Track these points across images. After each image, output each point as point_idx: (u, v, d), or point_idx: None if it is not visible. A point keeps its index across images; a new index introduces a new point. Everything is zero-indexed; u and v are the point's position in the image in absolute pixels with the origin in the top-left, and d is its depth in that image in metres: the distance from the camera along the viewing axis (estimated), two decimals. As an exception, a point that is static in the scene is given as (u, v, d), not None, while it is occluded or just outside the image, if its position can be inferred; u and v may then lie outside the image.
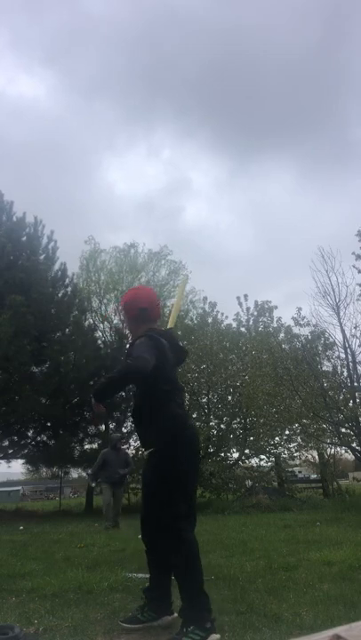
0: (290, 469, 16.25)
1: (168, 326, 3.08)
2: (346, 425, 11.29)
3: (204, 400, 15.43)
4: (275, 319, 18.13)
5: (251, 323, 18.47)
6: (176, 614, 2.66)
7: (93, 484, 10.03)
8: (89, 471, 10.07)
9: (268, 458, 15.25)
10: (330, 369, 12.12)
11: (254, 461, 15.56)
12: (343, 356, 11.58)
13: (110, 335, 17.56)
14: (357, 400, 11.07)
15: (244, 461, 15.30)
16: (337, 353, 11.93)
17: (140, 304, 2.87)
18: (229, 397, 15.03)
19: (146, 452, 2.73)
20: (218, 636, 2.39)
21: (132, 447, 14.50)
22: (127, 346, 3.02)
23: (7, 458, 14.08)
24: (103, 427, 15.06)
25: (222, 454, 15.22)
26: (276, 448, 15.08)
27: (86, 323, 15.33)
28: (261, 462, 15.52)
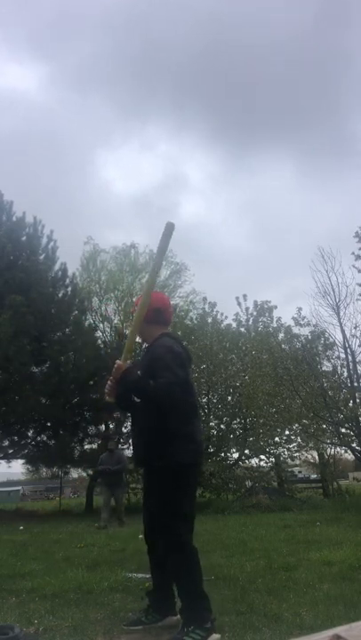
0: (290, 469, 16.24)
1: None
2: (346, 425, 11.30)
3: (204, 400, 15.42)
4: (274, 319, 18.13)
5: (250, 323, 18.45)
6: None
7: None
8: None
9: (268, 458, 15.25)
10: (330, 369, 12.13)
11: (254, 461, 15.57)
12: (343, 356, 11.59)
13: (110, 335, 17.57)
14: (357, 400, 11.06)
15: (243, 461, 15.30)
16: (337, 353, 11.94)
17: (154, 305, 2.82)
18: (229, 397, 15.03)
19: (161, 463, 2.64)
20: (218, 635, 2.39)
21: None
22: (145, 346, 2.92)
23: (7, 458, 14.08)
24: (103, 426, 15.06)
25: (222, 454, 15.21)
26: (276, 448, 15.07)
27: (86, 323, 15.33)
28: (261, 462, 15.52)
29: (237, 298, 18.70)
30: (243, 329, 18.00)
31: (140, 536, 6.82)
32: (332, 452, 15.37)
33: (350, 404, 11.03)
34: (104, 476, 9.77)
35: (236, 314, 18.44)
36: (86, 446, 14.52)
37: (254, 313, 18.58)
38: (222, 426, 15.33)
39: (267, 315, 18.42)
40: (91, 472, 15.83)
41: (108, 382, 2.69)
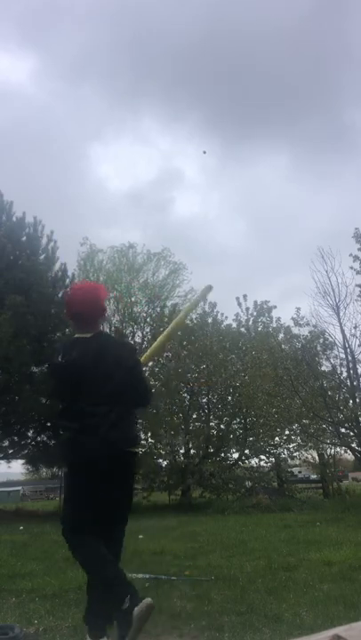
0: (289, 469, 16.25)
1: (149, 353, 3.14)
2: (346, 425, 11.30)
3: (204, 400, 15.44)
4: (274, 319, 18.18)
5: (250, 323, 18.48)
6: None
7: None
8: None
9: (268, 458, 15.27)
10: (329, 369, 12.14)
11: (254, 462, 15.59)
12: (343, 355, 11.60)
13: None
14: (357, 400, 11.07)
15: (243, 462, 15.31)
16: (336, 353, 11.95)
17: (73, 308, 2.68)
18: (229, 397, 15.04)
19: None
20: (149, 599, 2.22)
21: None
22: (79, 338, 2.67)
23: (7, 458, 14.07)
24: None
25: (222, 454, 15.22)
26: (276, 448, 15.09)
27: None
28: (261, 462, 15.54)
29: (238, 298, 18.77)
30: (243, 329, 18.03)
31: (141, 536, 6.83)
32: (332, 453, 15.39)
33: (350, 404, 11.04)
34: None
35: (237, 314, 18.50)
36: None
37: (254, 313, 18.63)
38: (222, 426, 15.33)
39: (266, 315, 18.48)
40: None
41: None
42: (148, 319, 18.57)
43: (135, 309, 18.78)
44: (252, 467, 15.44)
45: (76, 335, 2.65)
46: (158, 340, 3.32)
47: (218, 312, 17.17)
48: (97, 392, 2.47)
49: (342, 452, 15.25)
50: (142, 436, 15.25)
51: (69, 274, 14.76)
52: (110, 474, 2.44)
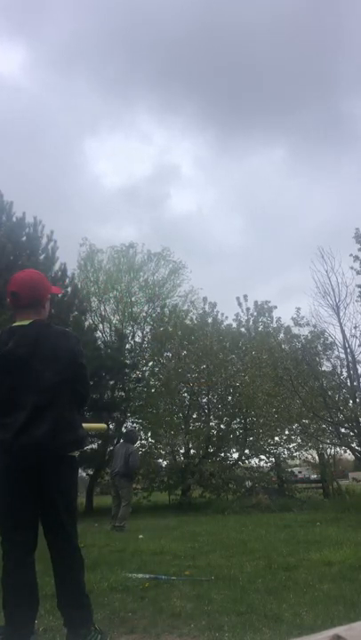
0: (289, 469, 16.28)
1: None
2: (346, 425, 11.31)
3: (204, 400, 15.44)
4: (274, 319, 18.20)
5: (251, 323, 18.49)
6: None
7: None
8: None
9: (268, 458, 15.28)
10: (329, 369, 12.14)
11: (254, 462, 15.61)
12: (343, 356, 11.60)
13: (110, 335, 17.56)
14: (357, 400, 11.08)
15: (243, 461, 15.32)
16: (336, 353, 11.96)
17: (10, 287, 2.59)
18: (229, 397, 15.05)
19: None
20: None
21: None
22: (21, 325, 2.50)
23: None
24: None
25: (222, 454, 15.23)
26: (276, 448, 15.10)
27: (86, 323, 15.33)
28: (261, 462, 15.56)
29: (238, 298, 18.76)
30: (243, 329, 18.04)
31: (141, 536, 6.83)
32: (332, 453, 15.40)
33: (350, 404, 11.05)
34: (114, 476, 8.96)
35: (237, 314, 18.50)
36: (87, 446, 14.53)
37: (255, 313, 18.63)
38: (222, 426, 15.34)
39: (267, 315, 18.48)
40: (91, 472, 15.85)
41: None
42: (148, 319, 18.58)
43: (135, 309, 18.79)
44: (252, 467, 15.45)
45: (14, 324, 2.50)
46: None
47: (218, 312, 17.20)
48: (33, 386, 2.29)
49: (342, 452, 15.27)
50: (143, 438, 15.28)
51: (69, 274, 14.76)
52: (29, 480, 2.30)
